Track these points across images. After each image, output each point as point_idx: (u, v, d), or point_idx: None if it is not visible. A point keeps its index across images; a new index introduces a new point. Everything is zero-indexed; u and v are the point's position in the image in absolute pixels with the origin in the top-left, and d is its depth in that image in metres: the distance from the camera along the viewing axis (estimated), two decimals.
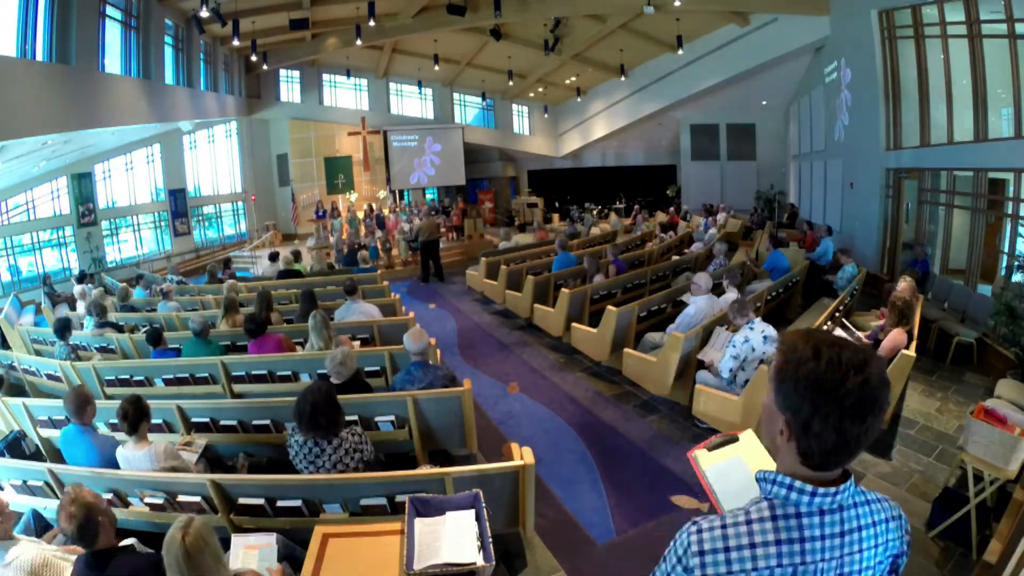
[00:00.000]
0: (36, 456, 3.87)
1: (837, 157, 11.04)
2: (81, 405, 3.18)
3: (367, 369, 4.56)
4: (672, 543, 1.07)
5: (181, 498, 2.83)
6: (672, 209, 15.26)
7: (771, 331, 4.19)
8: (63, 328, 5.35)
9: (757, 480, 1.06)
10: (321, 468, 2.87)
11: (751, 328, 4.13)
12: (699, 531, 1.03)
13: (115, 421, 3.68)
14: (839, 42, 10.41)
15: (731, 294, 5.82)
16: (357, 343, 5.30)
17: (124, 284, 8.79)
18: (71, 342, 5.44)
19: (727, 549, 0.99)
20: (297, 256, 9.92)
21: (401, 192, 18.94)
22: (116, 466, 3.09)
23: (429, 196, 21.30)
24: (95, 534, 2.03)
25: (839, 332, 4.95)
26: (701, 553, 1.00)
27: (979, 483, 3.09)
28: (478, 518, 2.37)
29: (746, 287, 7.26)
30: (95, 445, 3.18)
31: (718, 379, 4.36)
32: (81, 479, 3.00)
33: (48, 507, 3.28)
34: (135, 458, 2.98)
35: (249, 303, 6.64)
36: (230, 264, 9.76)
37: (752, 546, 0.99)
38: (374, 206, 16.65)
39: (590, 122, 19.52)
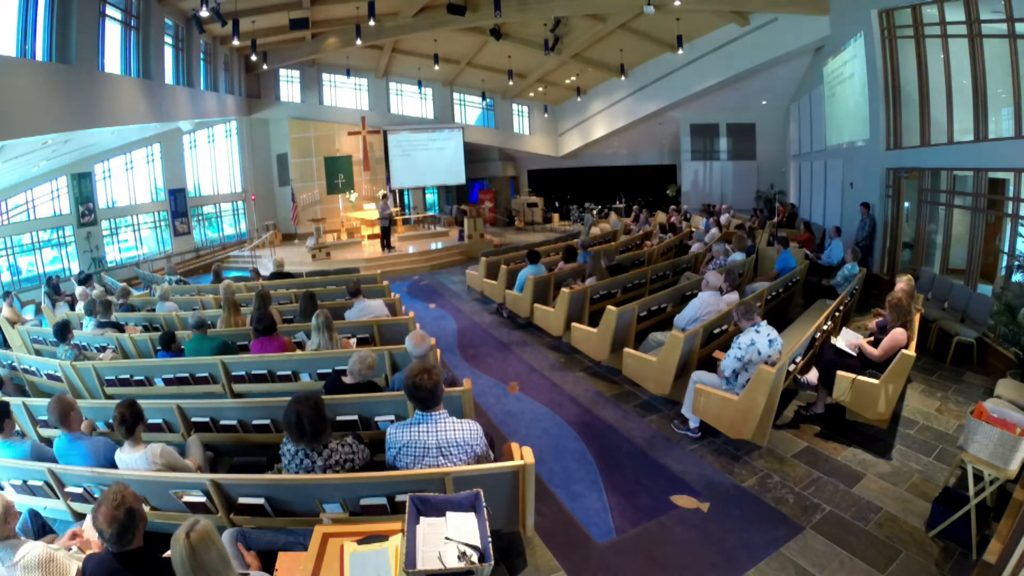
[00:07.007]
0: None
1: (837, 157, 11.04)
2: (65, 412, 3.15)
3: None
4: None
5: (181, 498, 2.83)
6: (673, 208, 15.25)
7: (776, 335, 4.17)
8: (62, 330, 5.32)
9: None
10: None
11: (757, 332, 4.11)
12: None
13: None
14: (839, 42, 10.40)
15: (731, 295, 5.84)
16: (353, 340, 5.31)
17: (124, 284, 8.78)
18: (72, 342, 5.42)
19: None
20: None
21: (401, 192, 18.93)
22: (113, 466, 3.08)
23: (429, 196, 21.31)
24: (132, 538, 2.04)
25: (841, 340, 4.93)
26: None
27: (979, 483, 3.09)
28: (478, 518, 2.37)
29: (746, 286, 7.27)
30: (89, 450, 3.17)
31: (719, 379, 4.35)
32: (81, 479, 3.00)
33: (48, 507, 3.28)
34: (131, 460, 2.99)
35: (248, 302, 6.64)
36: (220, 271, 9.57)
37: None
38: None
39: (590, 122, 19.51)
